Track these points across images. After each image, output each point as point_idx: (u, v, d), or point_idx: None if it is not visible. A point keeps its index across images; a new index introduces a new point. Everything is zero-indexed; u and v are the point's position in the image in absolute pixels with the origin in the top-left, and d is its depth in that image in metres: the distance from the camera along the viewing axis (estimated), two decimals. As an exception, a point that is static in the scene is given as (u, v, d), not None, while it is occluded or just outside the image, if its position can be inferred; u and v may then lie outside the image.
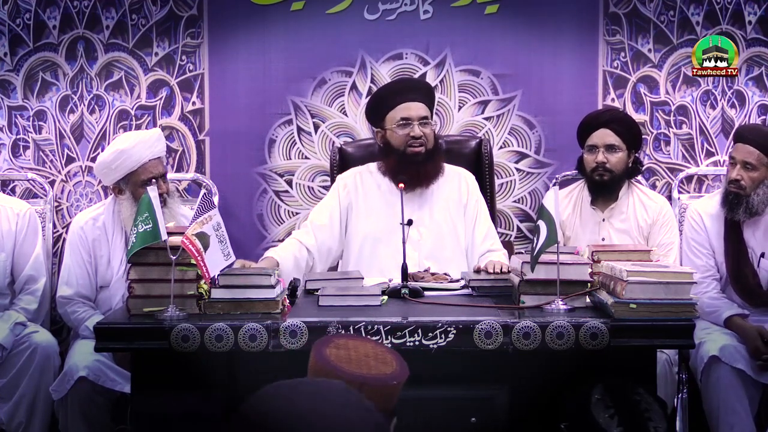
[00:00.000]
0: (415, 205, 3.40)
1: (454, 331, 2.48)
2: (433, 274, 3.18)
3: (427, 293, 2.93)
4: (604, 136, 3.60)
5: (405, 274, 2.96)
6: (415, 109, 3.43)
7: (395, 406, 1.78)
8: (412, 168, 3.39)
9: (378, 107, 3.52)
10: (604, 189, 3.65)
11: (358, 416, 1.34)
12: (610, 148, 3.60)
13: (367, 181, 3.53)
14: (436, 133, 3.55)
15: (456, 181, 3.52)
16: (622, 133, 3.60)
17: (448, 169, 3.54)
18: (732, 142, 3.68)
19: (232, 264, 2.71)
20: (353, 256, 3.44)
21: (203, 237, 2.55)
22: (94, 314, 3.48)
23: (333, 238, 3.46)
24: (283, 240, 4.00)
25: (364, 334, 2.46)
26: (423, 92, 3.52)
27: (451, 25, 4.10)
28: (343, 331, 2.46)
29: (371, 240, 3.42)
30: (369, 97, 3.73)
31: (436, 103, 3.70)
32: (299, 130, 4.16)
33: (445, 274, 3.20)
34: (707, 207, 3.62)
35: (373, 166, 3.56)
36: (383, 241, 3.38)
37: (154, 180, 3.41)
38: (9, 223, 3.64)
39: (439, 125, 4.12)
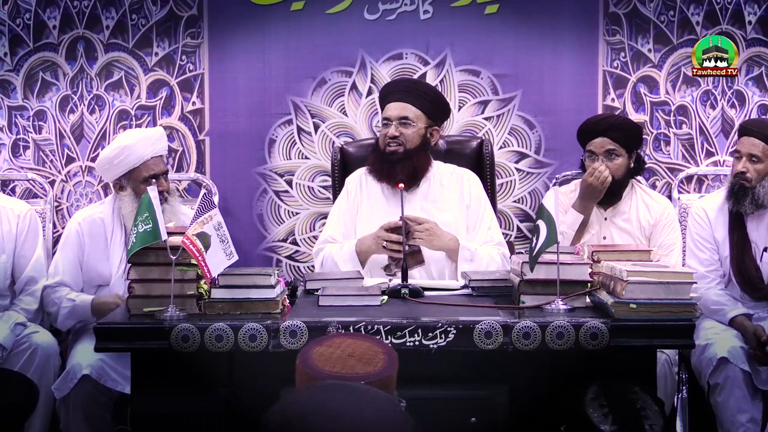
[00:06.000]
0: (408, 206, 3.35)
1: (454, 331, 2.48)
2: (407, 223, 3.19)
3: (427, 293, 2.93)
4: (602, 144, 3.59)
5: (405, 274, 2.96)
6: (396, 109, 3.43)
7: None
8: (385, 166, 3.42)
9: (380, 106, 3.57)
10: (606, 191, 3.65)
11: (389, 411, 1.36)
12: (610, 153, 3.58)
13: (371, 182, 3.53)
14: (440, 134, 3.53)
15: (458, 182, 3.51)
16: (620, 140, 3.59)
17: (450, 169, 3.54)
18: (736, 137, 3.69)
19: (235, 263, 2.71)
20: None
21: (204, 237, 2.55)
22: (75, 293, 3.48)
23: None
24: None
25: (363, 334, 2.46)
26: (414, 94, 3.48)
27: (451, 25, 4.10)
28: (343, 331, 2.46)
29: None
30: None
31: (435, 105, 3.53)
32: (299, 130, 4.16)
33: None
34: (712, 202, 3.63)
35: None
36: None
37: (154, 180, 3.41)
38: (10, 224, 3.63)
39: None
